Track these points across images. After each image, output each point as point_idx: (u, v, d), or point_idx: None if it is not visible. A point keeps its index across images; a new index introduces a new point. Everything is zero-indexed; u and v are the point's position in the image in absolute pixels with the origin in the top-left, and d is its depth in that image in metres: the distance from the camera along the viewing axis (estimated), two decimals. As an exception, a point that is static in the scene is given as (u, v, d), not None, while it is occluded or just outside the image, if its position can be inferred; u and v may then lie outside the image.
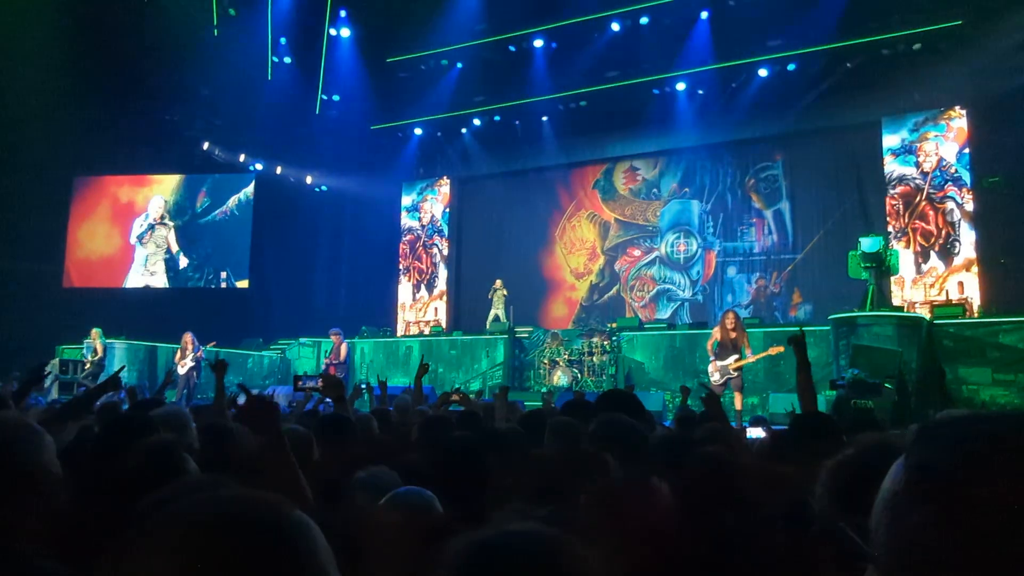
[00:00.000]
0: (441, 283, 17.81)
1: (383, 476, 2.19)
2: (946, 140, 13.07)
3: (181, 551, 0.72)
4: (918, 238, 13.06)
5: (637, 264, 16.14)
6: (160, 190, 18.18)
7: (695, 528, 1.70)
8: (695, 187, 15.73)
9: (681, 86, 14.68)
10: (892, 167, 13.43)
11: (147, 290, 17.63)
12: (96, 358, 12.13)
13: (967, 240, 12.70)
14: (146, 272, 17.82)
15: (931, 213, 13.03)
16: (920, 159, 13.21)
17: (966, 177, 12.83)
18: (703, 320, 13.66)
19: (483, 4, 14.80)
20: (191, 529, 0.74)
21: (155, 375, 13.36)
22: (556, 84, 15.18)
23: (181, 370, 11.91)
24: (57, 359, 12.38)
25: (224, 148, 17.53)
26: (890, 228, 13.19)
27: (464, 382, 12.94)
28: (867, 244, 9.82)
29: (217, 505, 0.77)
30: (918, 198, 13.16)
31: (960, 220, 12.78)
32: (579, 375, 12.94)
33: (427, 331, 16.64)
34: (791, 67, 13.66)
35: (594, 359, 12.91)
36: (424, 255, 18.05)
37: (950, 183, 12.94)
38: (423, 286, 17.96)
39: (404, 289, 18.17)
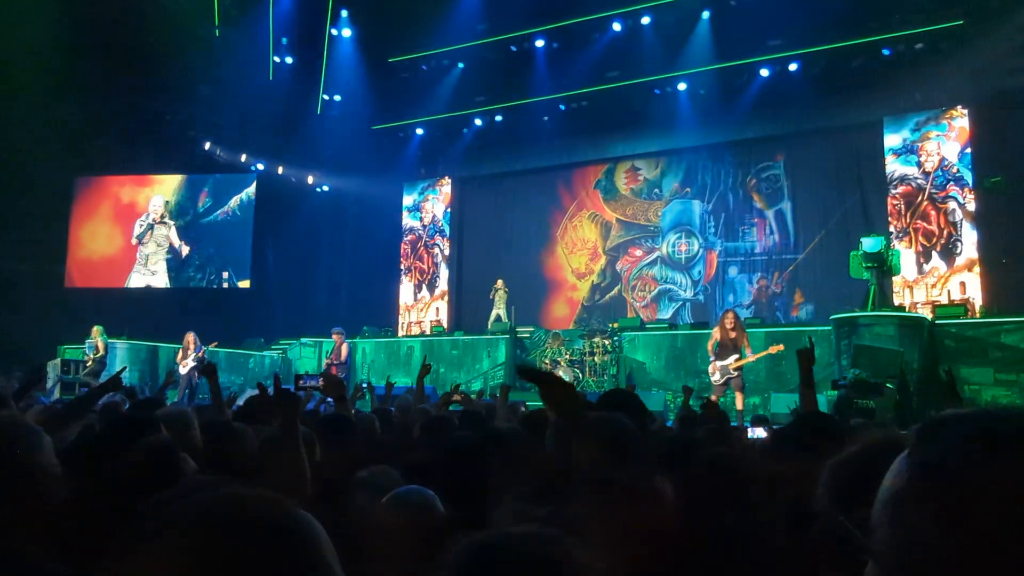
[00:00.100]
0: (442, 283, 17.81)
1: (385, 475, 2.19)
2: (948, 140, 13.05)
3: (182, 551, 0.72)
4: (920, 238, 13.05)
5: (638, 264, 16.14)
6: (162, 190, 18.20)
7: (698, 528, 1.70)
8: (696, 187, 15.72)
9: (682, 86, 14.68)
10: (894, 167, 13.42)
11: (148, 290, 17.65)
12: (97, 356, 12.14)
13: (969, 240, 12.68)
14: (147, 272, 17.84)
15: (933, 213, 13.01)
16: (922, 159, 13.19)
17: (968, 177, 12.80)
18: (704, 320, 13.65)
19: (484, 4, 14.81)
20: (192, 529, 0.74)
21: (156, 375, 13.37)
22: (557, 84, 15.18)
23: (183, 370, 11.91)
24: (59, 359, 12.40)
25: (226, 148, 17.54)
26: (892, 228, 13.18)
27: (466, 382, 12.94)
28: (869, 244, 9.82)
29: (218, 504, 0.77)
30: (920, 198, 13.14)
31: (962, 220, 12.76)
32: (580, 375, 12.93)
33: (428, 330, 16.63)
34: (792, 67, 13.66)
35: (595, 359, 12.90)
36: (425, 255, 18.05)
37: (952, 183, 12.93)
38: (424, 286, 17.96)
39: (405, 289, 18.17)
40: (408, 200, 18.45)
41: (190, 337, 12.23)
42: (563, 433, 1.83)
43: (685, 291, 15.59)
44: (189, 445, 2.69)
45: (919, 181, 13.18)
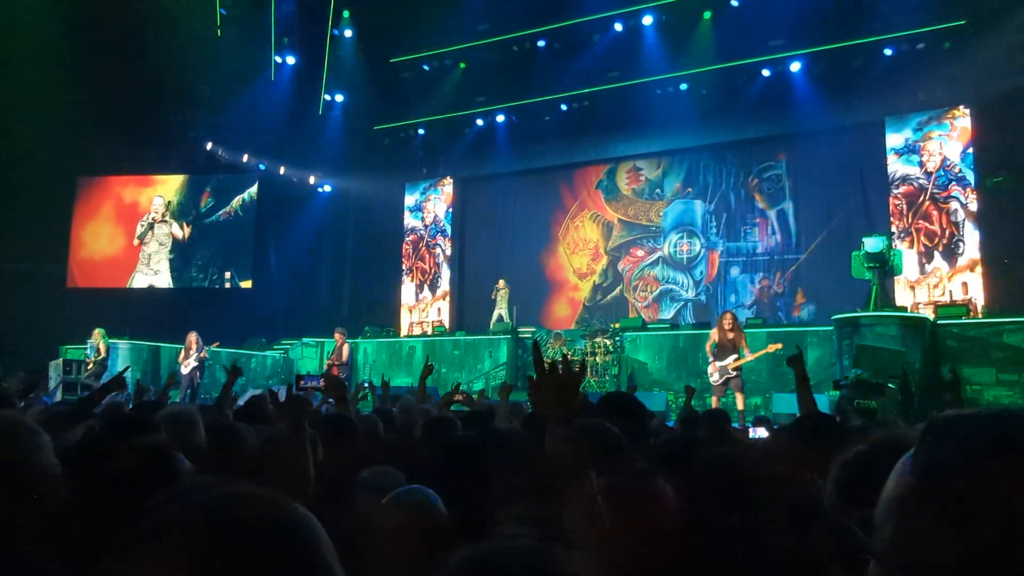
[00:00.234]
0: (444, 283, 17.81)
1: (387, 476, 2.19)
2: (950, 140, 13.02)
3: (182, 551, 0.72)
4: (922, 238, 13.02)
5: (640, 264, 16.13)
6: (164, 190, 18.22)
7: (700, 528, 1.70)
8: (698, 187, 15.71)
9: (684, 86, 14.68)
10: (896, 167, 13.40)
11: (151, 290, 17.67)
12: (99, 358, 12.14)
13: (971, 240, 12.65)
14: (150, 272, 17.86)
15: (935, 213, 12.99)
16: (924, 159, 13.17)
17: (970, 177, 12.78)
18: (706, 320, 13.63)
19: (486, 4, 14.82)
20: (192, 529, 0.74)
21: (158, 375, 13.37)
22: (559, 84, 15.19)
23: (184, 370, 11.91)
24: (61, 359, 12.40)
25: (228, 148, 17.56)
26: (894, 228, 13.15)
27: (467, 382, 12.94)
28: (871, 244, 9.81)
29: (218, 504, 0.77)
30: (922, 198, 13.12)
31: (964, 220, 12.73)
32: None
33: (429, 331, 16.63)
34: (794, 67, 13.65)
35: (597, 359, 12.89)
36: (427, 255, 18.05)
37: (954, 183, 12.90)
38: (426, 286, 17.96)
39: (407, 289, 18.17)
40: (410, 200, 18.44)
41: (192, 337, 12.24)
42: (553, 433, 1.83)
43: (687, 291, 15.58)
44: (193, 445, 2.70)
45: (921, 181, 13.16)
